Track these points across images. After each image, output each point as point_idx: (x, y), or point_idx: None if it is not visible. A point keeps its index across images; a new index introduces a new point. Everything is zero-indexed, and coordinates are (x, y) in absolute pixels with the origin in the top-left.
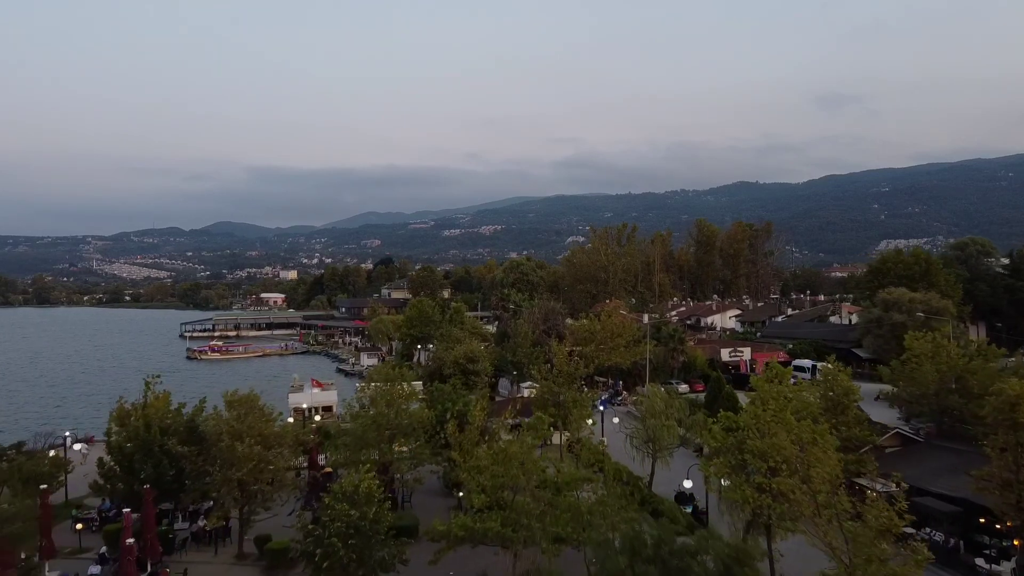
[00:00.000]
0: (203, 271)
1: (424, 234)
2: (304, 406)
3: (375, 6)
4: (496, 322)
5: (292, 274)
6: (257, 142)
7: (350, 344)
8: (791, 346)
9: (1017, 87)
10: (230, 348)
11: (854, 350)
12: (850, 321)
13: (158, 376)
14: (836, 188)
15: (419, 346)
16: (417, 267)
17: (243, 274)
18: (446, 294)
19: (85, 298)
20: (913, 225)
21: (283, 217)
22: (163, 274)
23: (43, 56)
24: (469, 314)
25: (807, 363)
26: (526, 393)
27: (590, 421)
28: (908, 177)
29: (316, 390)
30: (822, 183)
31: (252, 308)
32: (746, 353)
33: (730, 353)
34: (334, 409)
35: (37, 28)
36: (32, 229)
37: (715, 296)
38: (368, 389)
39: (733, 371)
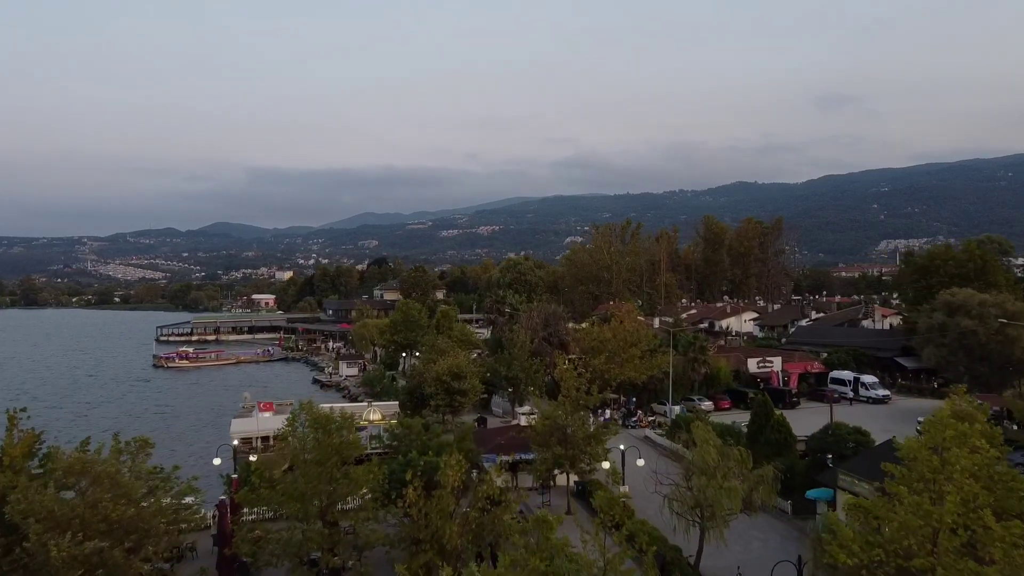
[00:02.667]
0: (198, 272)
1: (422, 234)
2: (237, 440)
3: (374, 7)
4: (490, 327)
5: (288, 275)
6: (256, 143)
7: (333, 350)
8: (825, 355)
9: (1015, 87)
10: (200, 355)
11: (898, 359)
12: (891, 325)
13: (24, 409)
14: (835, 188)
15: (404, 354)
16: (410, 267)
17: (238, 275)
18: (440, 295)
19: (74, 299)
20: (913, 225)
21: (281, 218)
22: (158, 275)
23: (41, 55)
24: (463, 317)
25: (847, 375)
26: (523, 420)
27: (606, 464)
28: (907, 177)
29: (267, 414)
30: (821, 183)
31: (240, 310)
32: (776, 363)
33: (758, 363)
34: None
35: (34, 27)
36: (28, 230)
37: (725, 297)
38: (293, 437)
39: (762, 384)
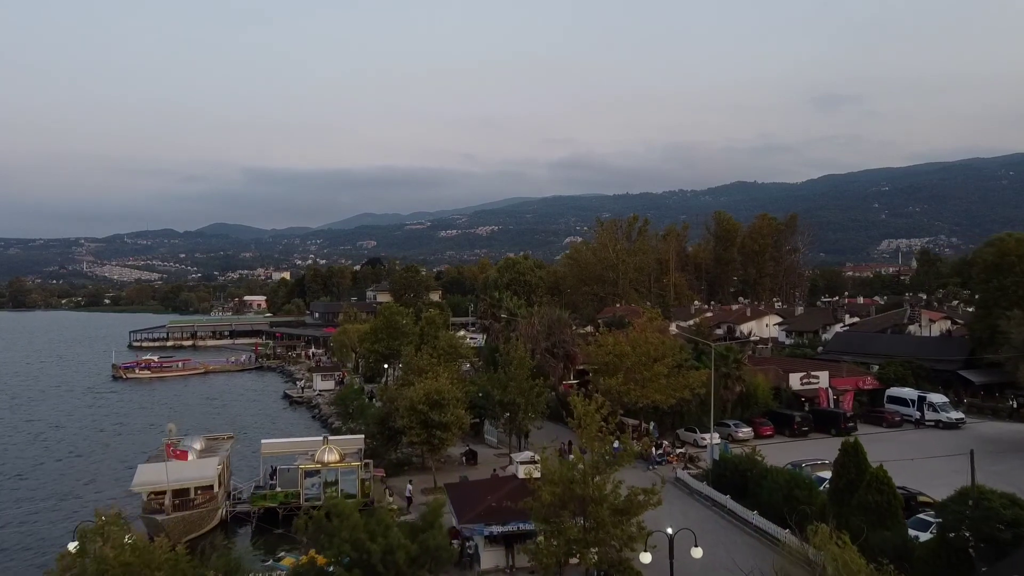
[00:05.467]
0: (195, 273)
1: (420, 235)
2: (146, 495)
3: (371, 7)
4: (484, 334)
5: (285, 275)
6: (253, 143)
7: (313, 357)
8: (876, 368)
9: (1014, 86)
10: (165, 364)
11: (962, 373)
12: (949, 332)
13: None
14: (835, 188)
15: (387, 365)
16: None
17: (234, 276)
18: (436, 297)
19: (63, 301)
20: (914, 225)
21: (279, 218)
22: (154, 276)
23: (37, 55)
24: (458, 320)
25: (909, 393)
26: (522, 472)
27: (647, 557)
28: (907, 176)
29: (182, 461)
30: (821, 183)
31: (228, 313)
32: (822, 378)
33: (802, 379)
34: (215, 488)
35: (29, 26)
36: (25, 231)
37: (740, 299)
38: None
39: (806, 403)
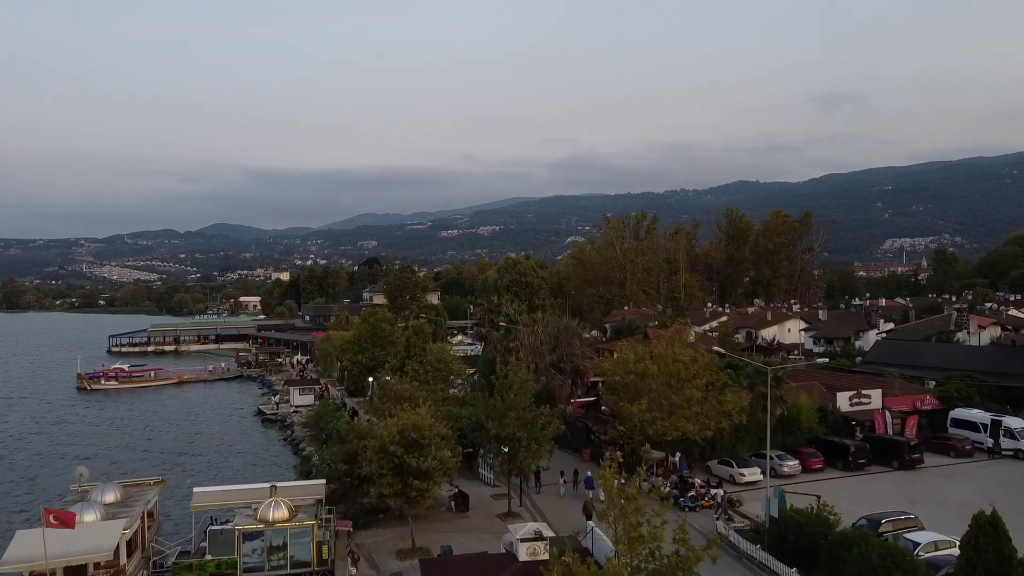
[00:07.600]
0: (194, 273)
1: (421, 235)
2: (27, 569)
3: (372, 7)
4: (482, 343)
5: (284, 276)
6: (253, 143)
7: (298, 365)
8: (933, 384)
9: (1016, 85)
10: (135, 373)
11: None
12: (1012, 342)
13: None
14: (837, 187)
15: (371, 378)
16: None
17: (234, 276)
18: (435, 299)
19: (57, 302)
20: (918, 224)
21: (279, 219)
22: (154, 277)
23: (36, 55)
24: (456, 324)
25: (979, 416)
26: (524, 553)
27: None
28: (910, 176)
29: (90, 519)
30: (823, 182)
31: (218, 315)
32: (875, 398)
33: (851, 399)
34: (122, 560)
35: (27, 25)
36: (25, 232)
37: (756, 300)
38: None
39: (860, 429)
